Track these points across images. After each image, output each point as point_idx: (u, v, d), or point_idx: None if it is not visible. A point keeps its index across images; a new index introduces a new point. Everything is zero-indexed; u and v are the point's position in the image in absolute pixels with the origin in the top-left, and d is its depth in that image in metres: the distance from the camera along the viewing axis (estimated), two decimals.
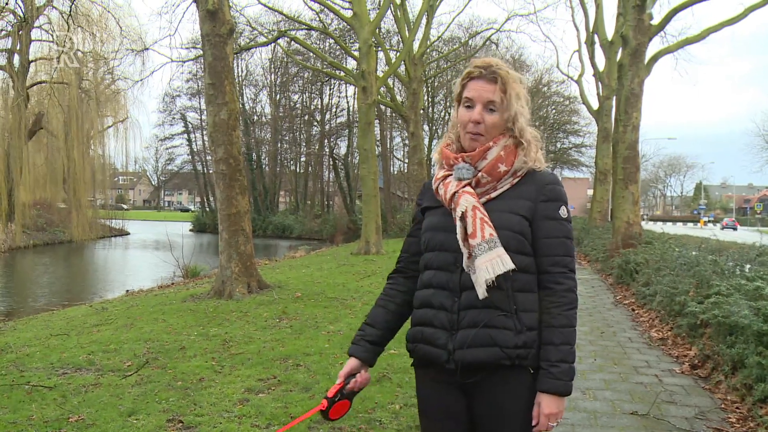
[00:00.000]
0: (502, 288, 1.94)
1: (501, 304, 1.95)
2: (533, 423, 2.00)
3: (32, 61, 28.62)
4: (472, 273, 1.95)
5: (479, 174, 2.03)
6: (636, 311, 9.41)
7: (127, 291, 15.30)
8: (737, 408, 4.84)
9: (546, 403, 1.97)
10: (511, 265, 1.92)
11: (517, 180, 2.05)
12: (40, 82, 29.03)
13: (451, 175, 2.08)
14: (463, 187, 2.02)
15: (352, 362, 2.16)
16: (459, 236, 1.98)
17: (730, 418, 4.67)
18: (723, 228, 55.61)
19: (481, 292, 1.93)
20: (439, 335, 2.01)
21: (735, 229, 56.85)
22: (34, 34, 28.43)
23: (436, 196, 2.11)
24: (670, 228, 27.08)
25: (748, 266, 7.87)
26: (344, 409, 2.13)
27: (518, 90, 2.03)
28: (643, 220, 34.16)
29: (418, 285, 2.14)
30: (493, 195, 2.04)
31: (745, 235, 28.07)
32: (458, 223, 1.98)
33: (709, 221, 70.76)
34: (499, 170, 2.02)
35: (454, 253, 2.01)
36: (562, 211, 2.05)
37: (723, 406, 4.96)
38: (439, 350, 2.01)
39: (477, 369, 1.97)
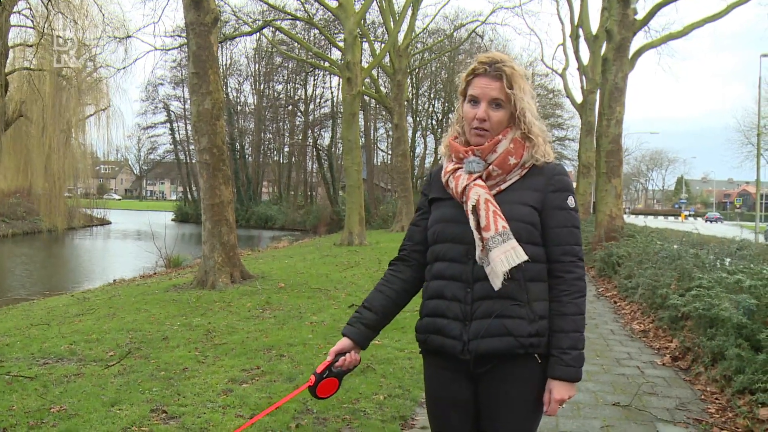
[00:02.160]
0: (515, 278, 1.97)
1: (514, 294, 1.98)
2: (544, 408, 2.04)
3: (11, 48, 28.16)
4: (485, 265, 1.97)
5: (490, 167, 2.05)
6: (618, 303, 9.49)
7: (114, 280, 15.16)
8: (717, 399, 4.91)
9: (557, 390, 2.00)
10: (524, 257, 1.95)
11: (525, 171, 2.07)
12: (15, 70, 28.56)
13: (461, 168, 2.09)
14: (474, 180, 2.04)
15: (344, 341, 2.17)
16: (473, 227, 1.99)
17: (709, 408, 4.73)
18: (706, 221, 58.37)
19: (498, 284, 1.95)
20: (453, 326, 2.03)
21: (719, 222, 60.64)
22: (13, 19, 27.99)
23: (446, 188, 2.12)
24: (651, 222, 27.37)
25: (728, 260, 7.96)
26: (332, 388, 2.13)
27: (523, 85, 2.03)
28: (625, 213, 34.40)
29: (427, 276, 2.16)
30: (503, 187, 2.06)
31: (725, 229, 28.37)
32: (471, 216, 2.00)
33: (689, 215, 71.51)
34: (510, 163, 2.04)
35: (466, 245, 2.03)
36: (570, 201, 2.07)
37: (703, 397, 5.03)
38: (454, 341, 2.03)
39: (490, 358, 2.01)
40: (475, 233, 1.98)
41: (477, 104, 2.05)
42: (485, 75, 2.03)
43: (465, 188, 2.03)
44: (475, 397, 2.09)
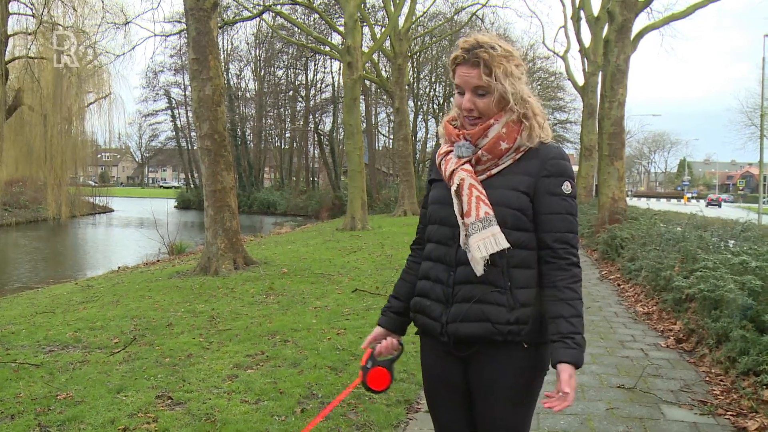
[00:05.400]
0: (497, 265, 1.95)
1: (495, 280, 1.96)
2: (560, 392, 1.90)
3: (11, 36, 28.02)
4: (468, 250, 1.96)
5: (479, 152, 2.00)
6: (621, 286, 9.49)
7: (118, 268, 15.18)
8: (721, 380, 4.91)
9: (569, 373, 1.90)
10: (505, 245, 1.92)
11: (520, 155, 2.01)
12: (15, 59, 28.43)
13: (453, 151, 2.07)
14: (462, 164, 2.01)
15: (375, 330, 2.26)
16: (457, 212, 1.98)
17: (714, 390, 4.73)
18: (708, 205, 54.31)
19: (480, 270, 1.94)
20: (435, 308, 2.05)
21: (719, 206, 55.55)
22: (12, 7, 27.83)
23: (438, 170, 2.11)
24: (654, 204, 27.34)
25: (732, 241, 7.94)
26: (384, 378, 2.17)
27: (506, 67, 1.96)
28: (628, 196, 34.27)
29: (423, 256, 2.17)
30: (494, 171, 2.01)
31: (728, 211, 28.30)
32: (455, 200, 1.99)
33: (692, 197, 71.36)
34: (501, 148, 1.99)
35: (452, 228, 2.02)
36: (566, 187, 2.00)
37: (707, 378, 5.03)
38: (435, 322, 2.05)
39: (470, 342, 2.00)
40: (459, 218, 1.97)
41: (462, 94, 2.01)
42: (465, 63, 1.98)
43: (452, 172, 2.02)
44: (466, 379, 2.09)
